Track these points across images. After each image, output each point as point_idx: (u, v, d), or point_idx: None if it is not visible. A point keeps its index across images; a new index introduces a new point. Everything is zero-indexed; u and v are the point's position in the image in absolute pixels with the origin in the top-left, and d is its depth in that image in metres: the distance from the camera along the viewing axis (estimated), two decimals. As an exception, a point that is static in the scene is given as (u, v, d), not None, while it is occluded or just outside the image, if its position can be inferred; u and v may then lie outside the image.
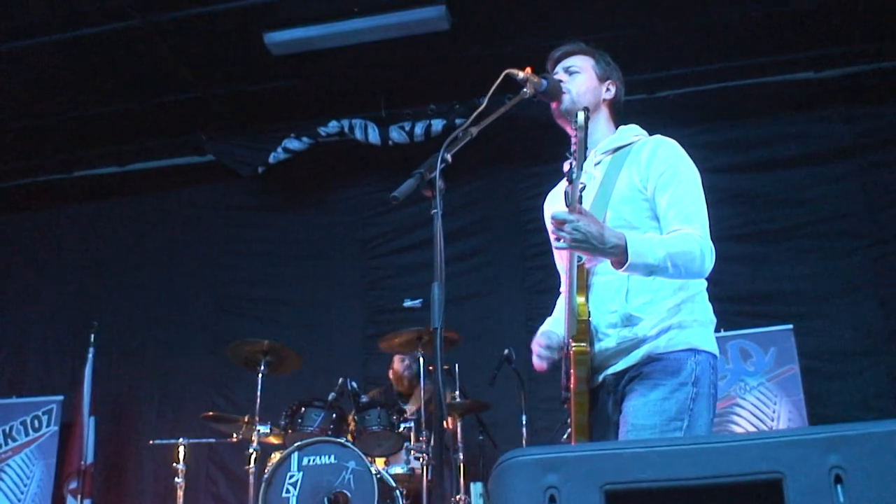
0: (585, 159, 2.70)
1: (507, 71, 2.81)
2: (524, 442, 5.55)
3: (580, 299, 2.69)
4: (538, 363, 2.89)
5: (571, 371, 2.67)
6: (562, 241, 2.52)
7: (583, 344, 2.66)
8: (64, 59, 6.40)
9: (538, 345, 2.88)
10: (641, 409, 2.58)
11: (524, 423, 5.58)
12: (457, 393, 5.62)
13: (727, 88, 6.63)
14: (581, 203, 2.56)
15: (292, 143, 7.03)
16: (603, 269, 2.73)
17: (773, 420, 5.84)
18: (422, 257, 6.93)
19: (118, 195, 7.73)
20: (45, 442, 6.88)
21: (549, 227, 2.73)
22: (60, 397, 6.93)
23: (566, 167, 2.86)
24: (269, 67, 6.49)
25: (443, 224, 7.04)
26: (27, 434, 6.94)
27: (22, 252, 7.82)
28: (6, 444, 6.96)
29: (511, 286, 6.80)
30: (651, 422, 2.55)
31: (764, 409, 5.86)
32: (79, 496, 6.51)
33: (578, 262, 2.71)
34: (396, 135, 6.88)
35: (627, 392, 2.66)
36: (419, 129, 6.81)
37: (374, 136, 6.91)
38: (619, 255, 2.53)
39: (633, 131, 2.95)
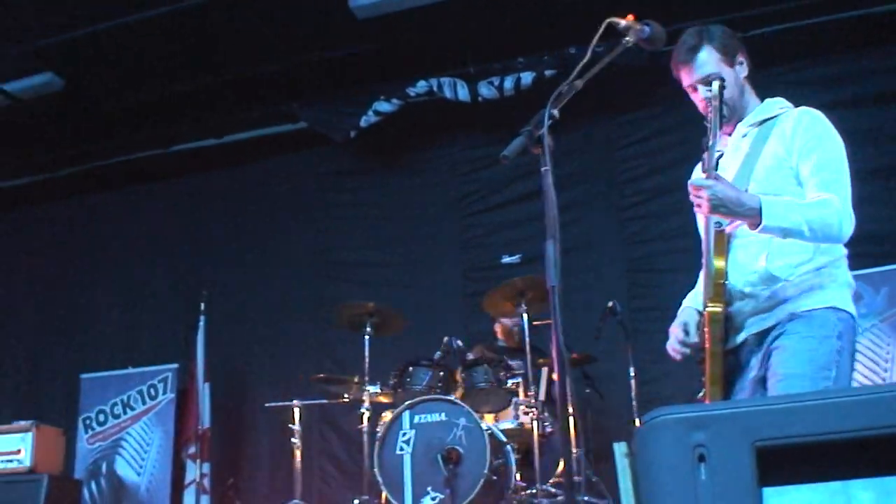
0: (721, 127, 2.82)
1: (609, 20, 2.79)
2: (633, 395, 5.53)
3: (719, 263, 2.77)
4: (672, 352, 2.93)
5: (706, 330, 2.71)
6: (701, 206, 2.65)
7: (718, 305, 2.73)
8: (156, 36, 6.51)
9: (675, 337, 2.91)
10: (791, 359, 2.62)
11: (632, 375, 5.56)
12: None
13: (827, 22, 6.38)
14: (717, 169, 2.70)
15: (382, 106, 7.05)
16: (743, 233, 2.80)
17: (886, 361, 5.71)
18: (517, 213, 6.93)
19: (216, 167, 7.90)
20: (163, 409, 7.13)
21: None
22: (175, 366, 7.16)
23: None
24: (355, 31, 6.51)
25: (536, 179, 6.99)
26: (144, 403, 7.20)
27: (128, 228, 8.08)
28: (125, 413, 7.23)
29: (609, 238, 6.75)
30: (802, 370, 2.58)
31: (877, 350, 5.73)
32: (197, 460, 6.75)
33: (717, 227, 2.77)
34: (486, 90, 6.83)
35: (773, 348, 2.70)
36: (509, 83, 6.76)
37: (463, 93, 6.88)
38: (754, 217, 2.62)
39: (778, 103, 3.00)
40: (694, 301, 3.04)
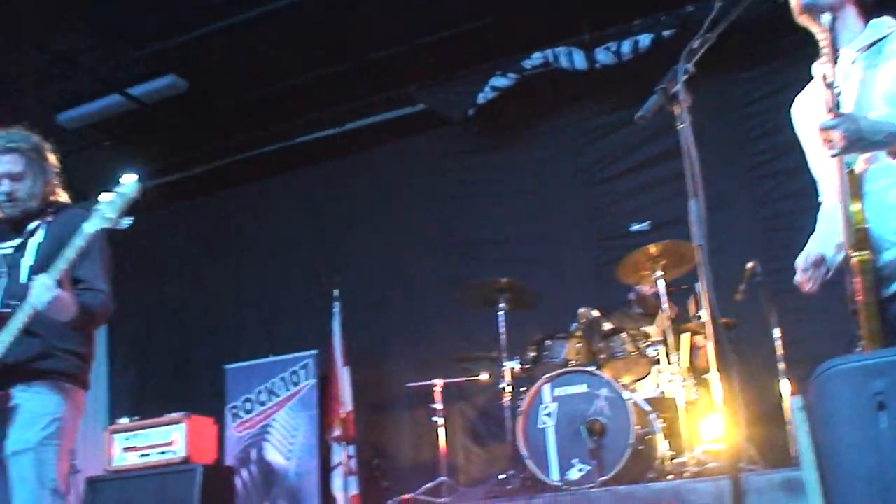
0: (836, 61, 2.63)
1: (734, -30, 2.69)
2: (778, 356, 5.37)
3: (855, 207, 2.58)
4: (803, 283, 2.81)
5: (856, 281, 2.55)
6: (835, 147, 2.46)
7: (864, 252, 2.55)
8: (272, 31, 6.64)
9: (800, 268, 2.80)
10: None
11: (776, 336, 5.39)
12: (702, 311, 5.49)
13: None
14: (839, 106, 2.52)
15: (498, 81, 7.02)
16: (875, 175, 2.61)
17: None
18: (641, 179, 6.81)
19: (340, 155, 8.03)
20: (305, 395, 7.29)
21: (803, 137, 2.81)
22: (314, 352, 7.31)
23: (816, 70, 2.78)
24: (467, 8, 6.49)
25: (661, 142, 6.88)
26: (287, 389, 7.38)
27: (259, 221, 8.31)
28: (270, 399, 7.44)
29: (741, 197, 6.55)
30: None
31: None
32: (343, 443, 6.89)
33: (848, 168, 2.60)
34: (603, 56, 6.71)
35: None
36: (626, 47, 6.62)
37: (579, 61, 6.79)
38: (893, 143, 2.46)
39: (885, 24, 2.77)
40: (817, 245, 2.89)
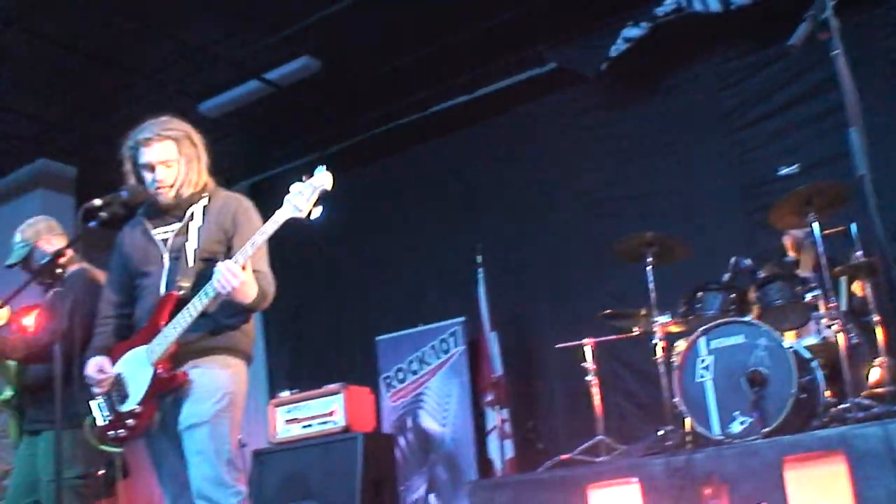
0: None
1: None
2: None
3: None
4: None
5: None
6: None
7: None
8: (399, 4, 6.67)
9: None
10: None
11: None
12: (859, 253, 5.26)
13: None
14: None
15: (630, 32, 6.85)
16: None
17: None
18: (786, 120, 6.57)
19: (474, 122, 8.05)
20: (456, 362, 7.38)
21: None
22: (461, 319, 7.38)
23: None
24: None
25: (804, 80, 6.59)
26: (438, 357, 7.49)
27: (400, 194, 8.43)
28: (421, 368, 7.56)
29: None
30: None
31: None
32: (496, 407, 6.95)
33: None
34: (738, -5, 6.47)
35: None
36: (763, -16, 6.36)
37: (714, 4, 6.53)
38: None
39: None
40: None
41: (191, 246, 3.78)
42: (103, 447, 4.15)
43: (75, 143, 8.29)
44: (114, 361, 3.83)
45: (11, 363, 4.91)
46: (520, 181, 7.74)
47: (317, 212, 3.55)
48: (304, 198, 3.51)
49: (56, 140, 8.34)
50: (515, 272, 7.56)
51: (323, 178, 3.54)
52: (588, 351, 5.91)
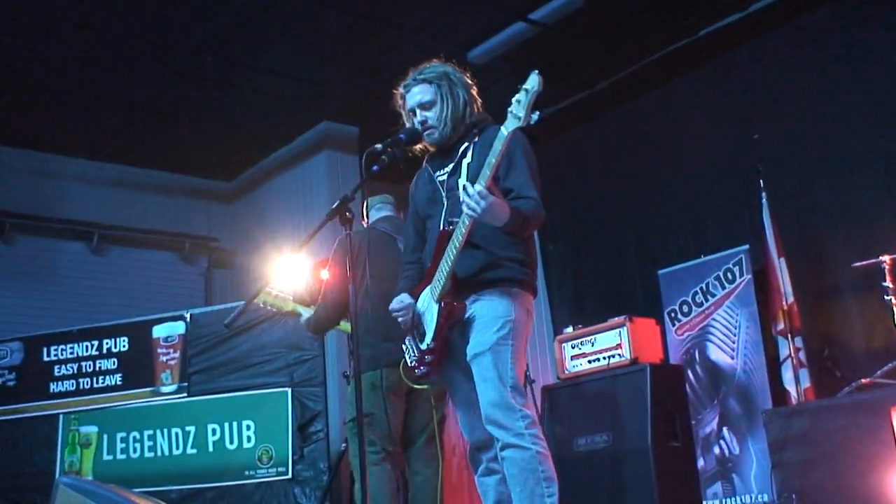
0: None
1: None
2: None
3: None
4: None
5: None
6: None
7: None
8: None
9: None
10: None
11: None
12: None
13: None
14: None
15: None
16: None
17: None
18: None
19: (748, 40, 7.72)
20: (742, 291, 7.12)
21: None
22: (745, 247, 7.12)
23: None
24: None
25: None
26: (723, 287, 7.26)
27: (675, 122, 8.17)
28: (706, 300, 7.36)
29: None
30: None
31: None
32: (788, 335, 6.66)
33: None
34: None
35: None
36: None
37: None
38: None
39: None
40: None
41: (462, 182, 3.89)
42: (415, 385, 4.45)
43: (355, 104, 8.75)
44: (415, 303, 4.04)
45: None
46: (806, 96, 7.27)
47: (535, 117, 3.52)
48: (521, 106, 3.49)
49: (337, 102, 8.85)
50: (800, 194, 7.17)
51: (533, 82, 3.47)
52: (887, 268, 5.52)
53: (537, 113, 3.53)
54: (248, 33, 7.56)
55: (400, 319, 4.04)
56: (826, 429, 4.87)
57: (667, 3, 7.50)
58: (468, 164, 3.95)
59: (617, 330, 6.42)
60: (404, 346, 4.09)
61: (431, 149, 4.14)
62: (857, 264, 5.78)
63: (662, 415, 5.98)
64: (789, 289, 6.74)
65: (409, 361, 4.06)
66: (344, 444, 6.74)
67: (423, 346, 3.94)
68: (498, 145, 3.56)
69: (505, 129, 3.55)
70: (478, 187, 3.54)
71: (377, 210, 5.70)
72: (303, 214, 9.35)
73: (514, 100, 3.52)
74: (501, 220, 3.65)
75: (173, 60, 7.85)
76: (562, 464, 6.24)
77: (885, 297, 5.55)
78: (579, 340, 6.68)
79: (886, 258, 5.56)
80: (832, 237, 6.98)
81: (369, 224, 5.65)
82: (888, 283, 5.53)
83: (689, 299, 7.48)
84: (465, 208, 3.58)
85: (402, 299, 4.04)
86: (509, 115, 3.54)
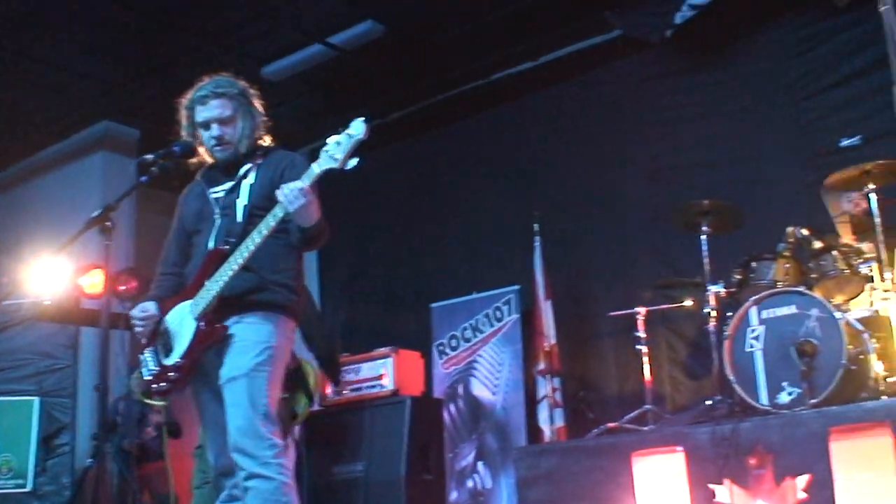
0: None
1: None
2: None
3: None
4: None
5: None
6: None
7: None
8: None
9: None
10: None
11: None
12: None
13: None
14: None
15: (696, -1, 6.71)
16: None
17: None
18: (850, 92, 6.37)
19: (536, 90, 7.98)
20: (509, 330, 7.35)
21: None
22: (517, 287, 7.35)
23: None
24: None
25: (870, 52, 6.37)
26: (492, 325, 7.46)
27: (459, 161, 8.39)
28: (475, 336, 7.54)
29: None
30: None
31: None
32: (548, 375, 6.91)
33: None
34: (806, -37, 6.29)
35: None
36: (829, -49, 6.17)
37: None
38: None
39: None
40: None
41: (241, 203, 3.80)
42: (147, 401, 4.24)
43: (139, 106, 8.41)
44: (162, 316, 3.88)
45: None
46: (580, 149, 7.64)
47: (353, 162, 3.52)
48: (340, 148, 3.49)
49: (119, 102, 8.49)
50: (572, 241, 7.49)
51: (358, 128, 3.48)
52: (641, 320, 5.85)
53: (356, 160, 3.51)
54: (35, 21, 7.11)
55: (138, 329, 3.89)
56: (571, 470, 5.05)
57: (465, 45, 7.66)
58: (250, 185, 3.86)
59: (382, 361, 6.48)
60: (141, 357, 3.93)
61: (210, 161, 4.03)
62: (614, 314, 6.08)
63: (418, 447, 6.08)
64: (552, 331, 7.00)
65: (145, 374, 3.90)
66: (90, 460, 6.40)
67: (169, 363, 3.77)
68: (307, 180, 3.54)
69: (317, 167, 3.53)
70: (301, 184, 3.51)
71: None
72: (71, 216, 8.82)
73: (332, 140, 3.49)
74: (313, 219, 3.62)
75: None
76: (317, 491, 6.24)
77: (638, 347, 5.85)
78: (344, 369, 6.67)
79: (642, 310, 5.86)
80: (597, 285, 7.34)
81: None
82: (641, 334, 5.84)
83: (459, 334, 7.63)
84: (282, 199, 3.52)
85: (147, 307, 3.87)
86: (324, 154, 3.51)
